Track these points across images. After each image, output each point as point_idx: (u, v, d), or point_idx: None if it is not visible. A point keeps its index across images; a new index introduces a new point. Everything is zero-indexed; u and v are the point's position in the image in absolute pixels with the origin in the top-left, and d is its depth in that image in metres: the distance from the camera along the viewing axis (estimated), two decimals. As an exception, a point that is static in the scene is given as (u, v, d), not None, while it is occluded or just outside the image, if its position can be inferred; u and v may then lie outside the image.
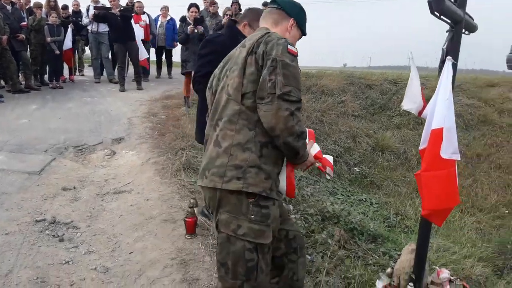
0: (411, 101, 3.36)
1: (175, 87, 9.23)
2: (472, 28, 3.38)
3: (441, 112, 3.02)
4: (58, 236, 3.13)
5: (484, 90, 9.57)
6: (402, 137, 8.46)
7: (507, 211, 6.84)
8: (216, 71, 1.97)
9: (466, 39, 3.18)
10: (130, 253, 2.97)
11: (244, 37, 2.67)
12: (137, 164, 4.65)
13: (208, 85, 2.01)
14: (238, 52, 1.84)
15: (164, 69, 10.98)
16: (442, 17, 2.93)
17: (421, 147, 3.27)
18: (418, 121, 8.79)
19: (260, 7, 2.88)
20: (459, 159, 3.10)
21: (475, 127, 8.79)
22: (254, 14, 2.68)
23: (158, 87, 9.24)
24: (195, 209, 3.21)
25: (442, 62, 3.30)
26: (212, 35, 3.18)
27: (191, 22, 6.83)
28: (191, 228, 3.15)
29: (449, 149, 2.95)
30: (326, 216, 3.93)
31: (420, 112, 3.29)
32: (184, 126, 5.79)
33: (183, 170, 4.34)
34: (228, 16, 7.42)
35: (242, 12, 7.82)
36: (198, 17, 6.92)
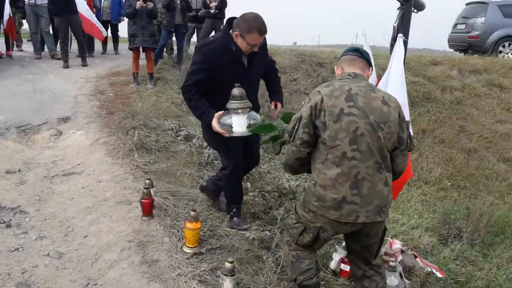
0: None
1: (122, 63, 8.86)
2: (420, 7, 3.48)
3: (395, 89, 3.11)
4: (5, 222, 2.94)
5: (428, 68, 10.00)
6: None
7: (449, 183, 7.28)
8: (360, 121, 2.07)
9: (415, 18, 3.26)
10: (84, 237, 2.85)
11: (237, 45, 2.73)
12: (86, 145, 4.44)
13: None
14: (386, 109, 2.11)
15: (110, 44, 10.47)
16: (395, -6, 2.99)
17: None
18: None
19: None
20: (412, 134, 3.24)
21: (420, 103, 9.20)
22: (246, 25, 2.66)
23: (104, 64, 8.81)
24: (151, 190, 3.12)
25: (394, 39, 3.40)
26: (204, 41, 3.00)
27: (139, -5, 6.50)
28: (148, 210, 3.05)
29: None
30: (283, 192, 3.98)
31: None
32: (134, 104, 5.57)
33: (136, 150, 4.19)
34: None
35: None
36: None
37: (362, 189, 2.02)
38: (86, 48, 8.68)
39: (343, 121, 2.02)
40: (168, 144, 4.44)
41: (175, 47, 8.62)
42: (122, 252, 2.66)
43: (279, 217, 3.31)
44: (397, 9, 3.08)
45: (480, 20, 11.23)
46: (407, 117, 3.01)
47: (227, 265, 2.17)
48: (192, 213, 2.62)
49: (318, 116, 2.06)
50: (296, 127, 2.13)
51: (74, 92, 6.22)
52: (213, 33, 8.94)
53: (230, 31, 2.79)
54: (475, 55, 11.01)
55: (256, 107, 3.01)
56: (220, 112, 2.67)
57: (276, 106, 3.30)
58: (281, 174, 4.56)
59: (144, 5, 6.26)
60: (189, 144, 4.47)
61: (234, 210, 3.20)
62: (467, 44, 11.71)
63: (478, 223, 5.16)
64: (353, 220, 2.03)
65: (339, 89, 2.09)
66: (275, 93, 3.35)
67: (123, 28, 9.30)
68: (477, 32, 11.25)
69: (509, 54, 11.08)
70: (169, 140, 4.51)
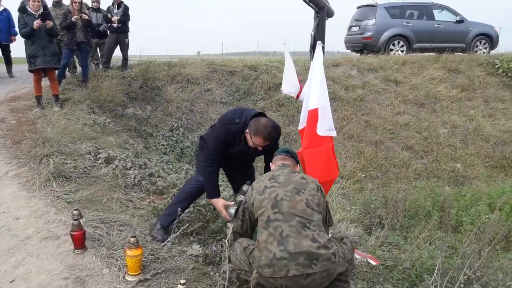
0: (288, 85, 3.56)
1: (20, 86, 8.16)
2: (330, 13, 3.71)
3: (315, 94, 3.27)
4: None
5: (331, 70, 10.61)
6: (267, 119, 8.89)
7: (363, 175, 7.81)
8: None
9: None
10: (11, 281, 2.57)
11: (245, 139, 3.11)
12: (-7, 180, 4.01)
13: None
14: (304, 181, 2.55)
15: (2, 67, 9.56)
16: (310, 3, 3.15)
17: (300, 127, 3.50)
18: (279, 103, 9.39)
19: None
20: (335, 135, 3.42)
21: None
22: (255, 129, 3.01)
23: (-2, 89, 8.02)
24: (81, 221, 2.91)
25: (313, 46, 3.57)
26: (231, 120, 3.19)
27: (34, 13, 6.02)
28: (80, 242, 2.84)
29: (325, 127, 3.23)
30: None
31: (298, 95, 3.53)
32: (42, 130, 5.16)
33: (54, 179, 3.88)
34: (78, 3, 6.80)
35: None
36: (44, 11, 6.11)
37: (288, 245, 2.24)
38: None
39: (266, 193, 2.46)
40: (88, 169, 4.18)
41: (78, 65, 8.16)
42: (58, 292, 2.45)
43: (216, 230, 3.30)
44: (313, 18, 3.25)
45: (371, 22, 12.23)
46: (330, 118, 3.19)
47: (180, 287, 2.11)
48: (132, 239, 2.51)
49: (246, 201, 2.59)
50: (238, 209, 2.72)
51: (-32, 123, 5.59)
52: (118, 48, 8.61)
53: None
54: (369, 55, 11.94)
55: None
56: (226, 202, 3.22)
57: None
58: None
59: (41, 23, 5.82)
60: (111, 167, 4.24)
61: (162, 220, 3.28)
62: (362, 44, 12.67)
63: (395, 209, 5.61)
64: (284, 274, 2.22)
65: (265, 176, 2.63)
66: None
67: (16, 48, 8.59)
68: (369, 33, 12.23)
69: (399, 51, 12.22)
70: (88, 165, 4.24)
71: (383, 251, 4.35)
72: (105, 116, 6.54)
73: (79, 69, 8.18)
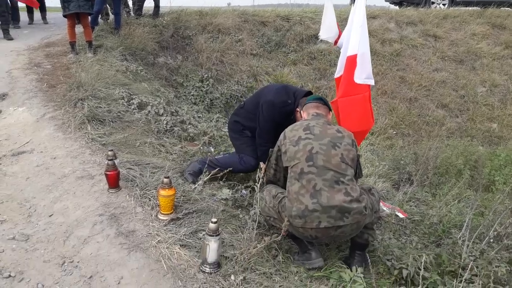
0: (327, 31, 3.45)
1: (54, 32, 8.22)
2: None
3: (355, 39, 3.15)
4: (-44, 210, 2.71)
5: (367, 22, 10.18)
6: (298, 72, 8.78)
7: (394, 132, 7.67)
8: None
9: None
10: (50, 216, 2.71)
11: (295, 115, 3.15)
12: (31, 121, 4.14)
13: None
14: (340, 135, 2.49)
15: (37, 13, 9.64)
16: None
17: (336, 75, 3.41)
18: (311, 56, 9.17)
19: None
20: (373, 83, 3.32)
21: (361, 58, 9.42)
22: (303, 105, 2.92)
23: (33, 35, 8.10)
24: (115, 161, 2.99)
25: None
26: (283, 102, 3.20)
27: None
28: (114, 182, 2.94)
29: (363, 74, 3.13)
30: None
31: (336, 41, 3.42)
32: (76, 75, 5.21)
33: (88, 122, 3.96)
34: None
35: None
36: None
37: (321, 198, 2.26)
38: (10, 19, 7.95)
39: (300, 144, 2.42)
40: (122, 114, 4.25)
41: (110, 12, 8.13)
42: (94, 226, 2.57)
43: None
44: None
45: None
46: (369, 65, 3.08)
47: (211, 225, 2.17)
48: (165, 179, 2.57)
49: (280, 149, 2.55)
50: (269, 158, 2.69)
51: (6, 66, 5.71)
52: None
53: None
54: (409, 7, 11.37)
55: None
56: None
57: None
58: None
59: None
60: (144, 113, 4.30)
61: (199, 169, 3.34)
62: (402, -4, 12.07)
63: (426, 166, 5.51)
64: (316, 225, 2.26)
65: (299, 124, 2.57)
66: None
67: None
68: (410, -15, 11.59)
69: (441, 5, 11.57)
70: (122, 110, 4.31)
71: (411, 206, 4.33)
72: (137, 63, 6.56)
73: (111, 16, 8.15)
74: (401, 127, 8.05)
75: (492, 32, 10.36)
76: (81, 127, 3.92)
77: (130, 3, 9.03)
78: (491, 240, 3.09)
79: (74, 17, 6.14)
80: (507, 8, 11.42)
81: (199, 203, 2.82)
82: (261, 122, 3.20)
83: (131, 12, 8.89)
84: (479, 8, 11.32)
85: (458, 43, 10.01)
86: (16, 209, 2.79)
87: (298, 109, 3.08)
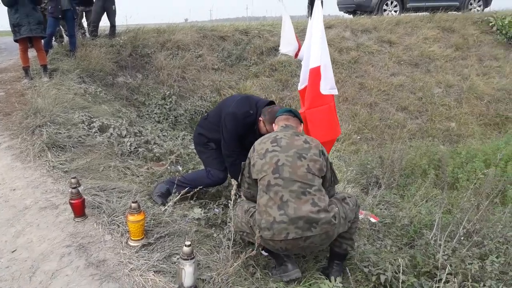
0: (287, 44, 3.47)
1: (6, 58, 7.94)
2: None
3: (316, 51, 3.19)
4: None
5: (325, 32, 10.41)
6: (261, 84, 8.83)
7: (358, 137, 7.81)
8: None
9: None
10: (12, 251, 2.55)
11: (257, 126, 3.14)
12: (-14, 152, 3.93)
13: None
14: (307, 146, 2.46)
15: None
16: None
17: (300, 87, 3.44)
18: (272, 68, 9.25)
19: None
20: (337, 93, 3.37)
21: (321, 67, 9.59)
22: (271, 116, 2.94)
23: (-18, 61, 7.79)
24: (79, 189, 2.87)
25: (311, 2, 3.46)
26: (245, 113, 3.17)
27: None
28: (80, 210, 2.81)
29: (327, 85, 3.17)
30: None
31: (297, 54, 3.44)
32: (32, 101, 5.03)
33: (48, 149, 3.81)
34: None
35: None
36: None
37: (288, 210, 2.26)
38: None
39: (267, 157, 2.41)
40: (83, 139, 4.11)
41: (64, 35, 7.92)
42: (62, 259, 2.44)
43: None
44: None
45: (363, -18, 11.93)
46: (331, 75, 3.12)
47: (185, 249, 2.10)
48: (133, 204, 2.48)
49: (250, 162, 2.51)
50: (242, 172, 2.60)
51: (-45, 96, 5.44)
52: (105, 15, 8.35)
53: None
54: (362, 16, 11.71)
55: None
56: None
57: None
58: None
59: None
60: (106, 135, 4.17)
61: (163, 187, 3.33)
62: (354, 5, 12.42)
63: (392, 168, 5.63)
64: (284, 237, 2.25)
65: (267, 137, 2.55)
66: None
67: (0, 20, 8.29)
68: (362, -6, 11.96)
69: (392, 12, 11.99)
70: (82, 134, 4.17)
71: (381, 209, 4.39)
72: (96, 85, 6.39)
73: (66, 38, 7.94)
74: (364, 132, 8.22)
75: (442, 36, 10.82)
76: (40, 155, 3.77)
77: (85, 24, 8.86)
78: (461, 238, 3.18)
79: (26, 41, 5.93)
80: (454, 12, 11.97)
81: (170, 226, 2.73)
82: (225, 134, 3.18)
83: (86, 33, 8.70)
84: (428, 14, 11.81)
85: (412, 47, 10.38)
86: (-26, 248, 2.61)
87: (261, 118, 3.08)
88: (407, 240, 3.58)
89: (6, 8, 5.78)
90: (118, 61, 7.73)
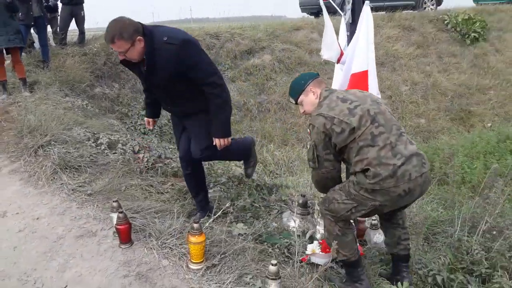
0: (329, 50, 3.44)
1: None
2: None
3: (363, 55, 3.18)
4: None
5: (292, 34, 10.55)
6: (238, 89, 8.80)
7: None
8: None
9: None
10: (64, 287, 2.39)
11: None
12: (-13, 179, 3.63)
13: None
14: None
15: None
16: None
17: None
18: (247, 72, 9.24)
19: None
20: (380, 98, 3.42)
21: (294, 69, 9.73)
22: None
23: None
24: (126, 213, 2.73)
25: (348, 3, 3.47)
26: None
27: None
28: (127, 236, 2.67)
29: (374, 90, 3.19)
30: (238, 178, 3.89)
31: (339, 59, 3.41)
32: (21, 118, 4.70)
33: (61, 171, 3.59)
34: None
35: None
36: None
37: (402, 151, 2.26)
38: None
39: (357, 113, 2.29)
40: (94, 157, 3.90)
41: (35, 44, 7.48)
42: (125, 291, 2.32)
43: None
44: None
45: (325, -17, 12.16)
46: (376, 81, 3.18)
47: (272, 268, 2.07)
48: (195, 225, 2.40)
49: (332, 132, 2.29)
50: (315, 153, 2.37)
51: None
52: (73, 21, 7.98)
53: None
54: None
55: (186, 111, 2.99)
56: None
57: None
58: (226, 163, 4.43)
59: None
60: (120, 152, 3.99)
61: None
62: (318, 6, 12.65)
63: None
64: (407, 179, 2.22)
65: (334, 101, 2.36)
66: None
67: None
68: (325, -5, 12.19)
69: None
70: (93, 152, 3.96)
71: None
72: (81, 98, 6.08)
73: (37, 48, 7.49)
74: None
75: (403, 34, 11.31)
76: (54, 178, 3.54)
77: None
78: (486, 233, 3.34)
79: (2, 53, 5.53)
80: (410, 11, 12.54)
81: (226, 245, 2.67)
82: (200, 65, 2.83)
83: (52, 42, 8.27)
84: (385, 13, 12.26)
85: (377, 46, 10.66)
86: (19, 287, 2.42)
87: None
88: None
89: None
90: (94, 71, 7.41)
